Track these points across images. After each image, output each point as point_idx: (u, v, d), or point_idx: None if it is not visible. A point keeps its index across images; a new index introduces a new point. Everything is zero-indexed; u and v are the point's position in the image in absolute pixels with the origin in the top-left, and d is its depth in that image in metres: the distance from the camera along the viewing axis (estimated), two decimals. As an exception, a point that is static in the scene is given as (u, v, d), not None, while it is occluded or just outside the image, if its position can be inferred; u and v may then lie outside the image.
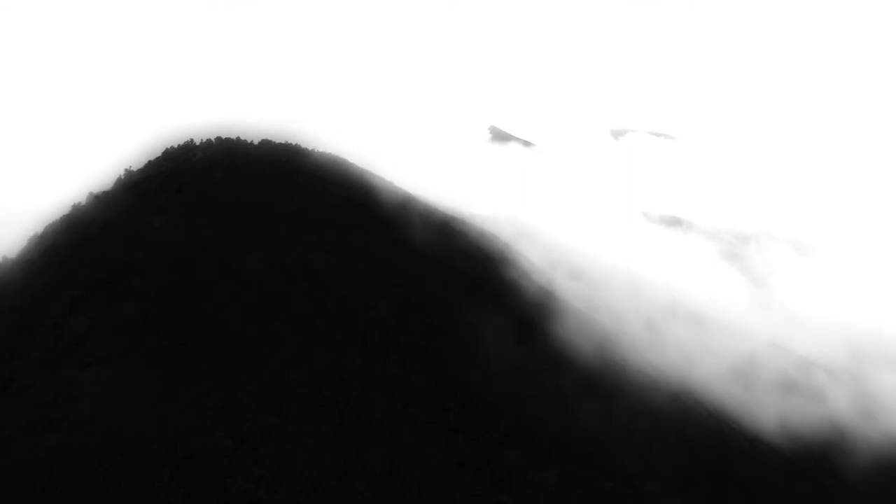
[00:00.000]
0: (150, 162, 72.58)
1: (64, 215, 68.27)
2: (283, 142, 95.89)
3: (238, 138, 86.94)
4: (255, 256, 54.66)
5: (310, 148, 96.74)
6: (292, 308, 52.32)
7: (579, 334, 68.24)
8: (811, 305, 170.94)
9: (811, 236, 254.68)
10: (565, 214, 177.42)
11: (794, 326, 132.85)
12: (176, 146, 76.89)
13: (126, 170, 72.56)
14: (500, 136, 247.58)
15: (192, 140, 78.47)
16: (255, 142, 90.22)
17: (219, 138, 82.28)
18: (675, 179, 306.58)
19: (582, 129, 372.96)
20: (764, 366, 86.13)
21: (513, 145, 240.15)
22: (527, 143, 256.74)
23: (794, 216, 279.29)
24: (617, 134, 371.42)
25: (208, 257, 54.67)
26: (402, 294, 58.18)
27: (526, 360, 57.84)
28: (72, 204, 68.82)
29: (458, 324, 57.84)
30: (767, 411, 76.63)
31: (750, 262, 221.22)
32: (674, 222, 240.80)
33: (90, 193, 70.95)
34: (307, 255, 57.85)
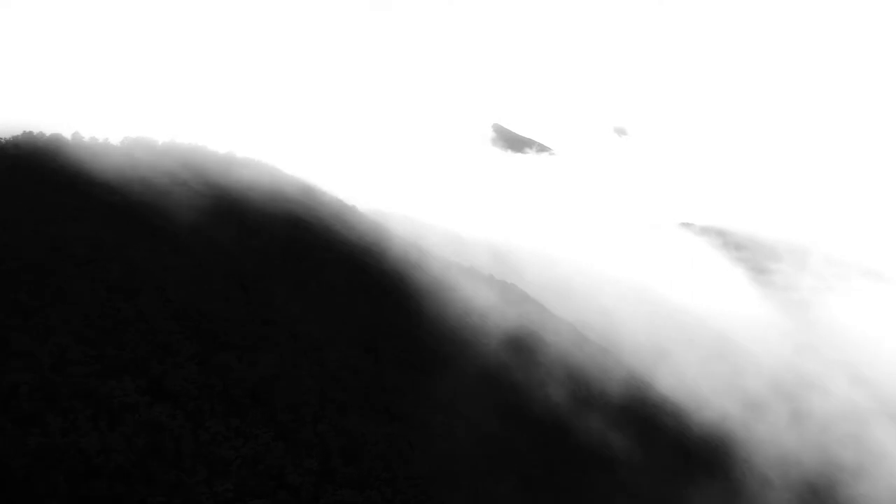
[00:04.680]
0: None
1: None
2: (187, 144, 63.55)
3: (93, 138, 53.91)
4: None
5: (222, 152, 64.58)
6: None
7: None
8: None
9: (835, 246, 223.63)
10: (572, 232, 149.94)
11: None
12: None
13: None
14: (504, 136, 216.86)
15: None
16: (162, 143, 57.18)
17: (44, 135, 48.86)
18: (682, 182, 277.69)
19: (587, 127, 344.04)
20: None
21: (518, 145, 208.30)
22: (533, 143, 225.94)
23: (817, 224, 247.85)
24: (621, 132, 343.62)
25: None
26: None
27: None
28: None
29: None
30: None
31: (784, 281, 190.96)
32: (685, 230, 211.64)
33: None
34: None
